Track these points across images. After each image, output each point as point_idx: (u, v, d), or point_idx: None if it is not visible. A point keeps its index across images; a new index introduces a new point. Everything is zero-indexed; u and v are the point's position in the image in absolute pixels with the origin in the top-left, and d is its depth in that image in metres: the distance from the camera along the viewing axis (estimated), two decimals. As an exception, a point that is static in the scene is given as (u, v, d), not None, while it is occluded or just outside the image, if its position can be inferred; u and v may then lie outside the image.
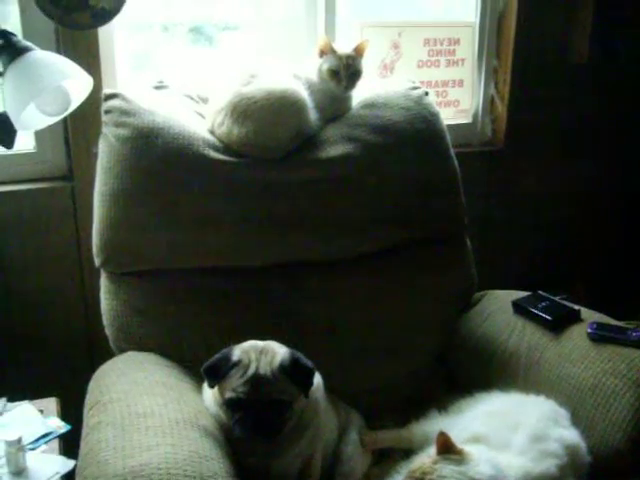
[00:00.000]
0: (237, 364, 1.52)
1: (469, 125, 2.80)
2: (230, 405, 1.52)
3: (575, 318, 1.90)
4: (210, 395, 1.61)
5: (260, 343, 1.58)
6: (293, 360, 1.54)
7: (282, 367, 1.52)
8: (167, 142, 1.87)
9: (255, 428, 1.51)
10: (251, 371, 1.51)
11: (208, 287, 1.91)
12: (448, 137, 2.22)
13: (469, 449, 1.51)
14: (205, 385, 1.64)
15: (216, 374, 1.53)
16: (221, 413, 1.56)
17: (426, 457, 1.52)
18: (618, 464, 1.64)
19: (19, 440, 1.64)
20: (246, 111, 1.91)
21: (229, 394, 1.51)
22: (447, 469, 1.46)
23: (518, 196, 2.84)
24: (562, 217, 2.92)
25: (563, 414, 1.69)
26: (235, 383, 1.51)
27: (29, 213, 2.18)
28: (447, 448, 1.49)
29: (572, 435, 1.64)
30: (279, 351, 1.56)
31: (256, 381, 1.50)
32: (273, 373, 1.52)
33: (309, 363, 1.56)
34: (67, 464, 1.67)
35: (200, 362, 1.57)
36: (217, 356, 1.55)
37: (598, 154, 2.91)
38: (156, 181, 1.86)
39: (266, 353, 1.54)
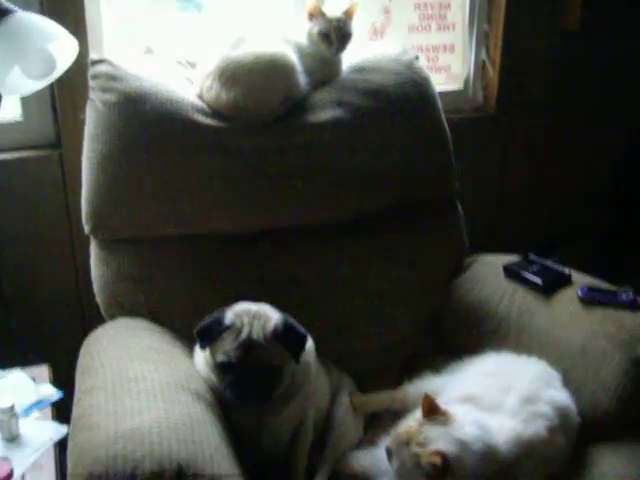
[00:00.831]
0: (230, 327, 1.52)
1: (460, 92, 2.77)
2: (221, 368, 1.52)
3: (566, 281, 1.91)
4: (202, 358, 1.61)
5: (253, 307, 1.58)
6: (286, 326, 1.54)
7: (275, 333, 1.52)
8: (155, 107, 1.85)
9: (246, 392, 1.52)
10: (243, 335, 1.51)
11: (199, 253, 1.91)
12: (439, 102, 2.20)
13: (454, 410, 1.52)
14: (197, 348, 1.64)
15: (208, 337, 1.53)
16: (213, 376, 1.56)
17: (412, 420, 1.53)
18: (607, 425, 1.66)
19: (12, 407, 1.64)
20: (234, 75, 1.88)
21: (221, 357, 1.52)
22: (433, 430, 1.47)
23: (509, 162, 2.82)
24: (554, 183, 2.92)
25: (554, 375, 1.71)
26: (227, 347, 1.51)
27: (17, 182, 2.15)
28: (432, 410, 1.51)
29: (563, 397, 1.66)
30: (272, 316, 1.56)
31: (248, 346, 1.50)
32: (265, 338, 1.52)
33: (302, 329, 1.57)
34: (60, 430, 1.68)
35: (191, 328, 1.57)
36: (210, 318, 1.55)
37: (590, 120, 2.90)
38: (144, 147, 1.84)
39: (259, 317, 1.54)
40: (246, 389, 1.51)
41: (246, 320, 1.53)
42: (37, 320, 2.23)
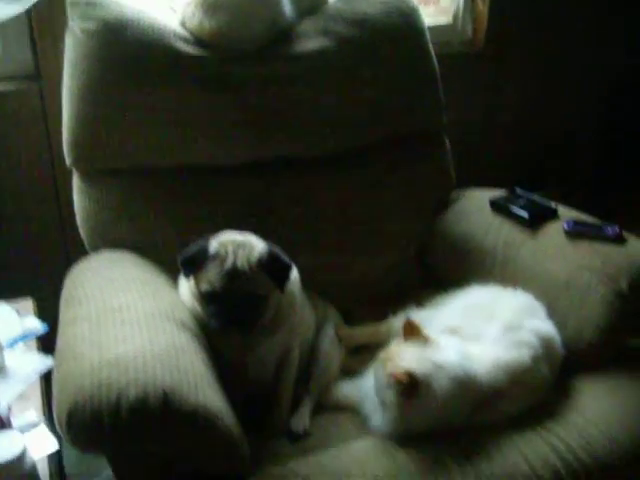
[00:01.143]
0: (214, 256, 1.51)
1: (450, 26, 2.71)
2: (206, 297, 1.52)
3: (552, 215, 1.90)
4: (186, 289, 1.60)
5: (238, 236, 1.57)
6: (271, 255, 1.53)
7: (259, 262, 1.52)
8: (136, 35, 1.80)
9: (230, 321, 1.52)
10: (228, 264, 1.50)
11: (183, 186, 1.89)
12: (427, 34, 2.15)
13: (436, 337, 1.54)
14: (181, 279, 1.63)
15: (192, 266, 1.52)
16: (197, 306, 1.56)
17: (394, 344, 1.54)
18: (590, 357, 1.68)
19: (-4, 339, 1.64)
20: (217, 1, 1.83)
21: (205, 287, 1.51)
22: (409, 352, 1.49)
23: (499, 97, 2.79)
24: (543, 118, 2.89)
25: (539, 307, 1.71)
26: (212, 276, 1.50)
27: (-5, 115, 2.11)
28: (413, 333, 1.52)
29: (547, 327, 1.66)
30: (257, 246, 1.55)
31: (232, 275, 1.50)
32: (250, 267, 1.51)
33: (287, 259, 1.56)
34: (45, 362, 1.68)
35: (175, 260, 1.56)
36: (194, 247, 1.54)
37: (581, 58, 2.86)
38: (125, 76, 1.80)
39: (244, 247, 1.53)
40: (230, 318, 1.51)
41: (230, 249, 1.52)
42: (21, 255, 2.21)
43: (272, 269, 1.53)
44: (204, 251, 1.51)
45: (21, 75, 2.15)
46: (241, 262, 1.50)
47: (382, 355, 1.53)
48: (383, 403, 1.50)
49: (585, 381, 1.65)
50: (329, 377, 1.75)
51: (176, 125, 1.83)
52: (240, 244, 1.54)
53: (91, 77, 1.78)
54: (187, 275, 1.54)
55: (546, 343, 1.62)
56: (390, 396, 1.46)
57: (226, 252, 1.51)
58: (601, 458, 1.45)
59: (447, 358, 1.48)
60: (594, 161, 3.08)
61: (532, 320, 1.65)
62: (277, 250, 1.56)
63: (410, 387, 1.43)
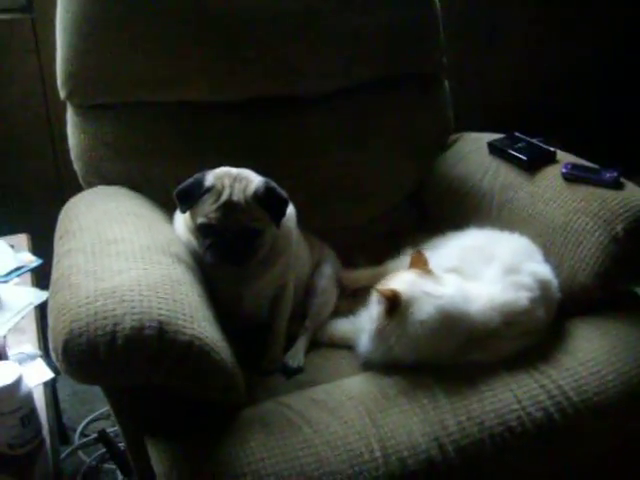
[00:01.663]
0: (210, 190, 1.49)
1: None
2: (202, 231, 1.51)
3: (550, 159, 1.89)
4: (182, 223, 1.60)
5: (234, 170, 1.56)
6: (267, 189, 1.53)
7: (256, 195, 1.51)
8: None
9: (225, 255, 1.51)
10: (224, 197, 1.49)
11: (179, 122, 1.87)
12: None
13: (440, 273, 1.55)
14: (176, 214, 1.63)
15: (188, 199, 1.51)
16: (193, 240, 1.56)
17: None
18: (585, 299, 1.68)
19: (-11, 270, 1.64)
20: None
21: (201, 220, 1.50)
22: (406, 277, 1.52)
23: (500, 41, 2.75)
24: (546, 60, 2.86)
25: (536, 250, 1.71)
26: (207, 209, 1.49)
27: (-14, 48, 2.08)
28: (419, 265, 1.54)
29: (544, 270, 1.67)
30: (254, 179, 1.54)
31: (229, 208, 1.49)
32: (246, 200, 1.50)
33: (283, 193, 1.55)
34: (40, 295, 1.69)
35: (170, 196, 1.55)
36: (190, 181, 1.53)
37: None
38: (120, 5, 1.76)
39: (240, 180, 1.52)
40: (226, 251, 1.51)
41: (227, 182, 1.51)
42: (14, 191, 2.20)
43: (269, 203, 1.52)
44: (200, 184, 1.50)
45: (13, 7, 2.11)
46: (237, 195, 1.50)
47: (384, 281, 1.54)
48: (371, 325, 1.51)
49: (578, 324, 1.65)
50: (325, 314, 1.77)
51: (170, 57, 1.81)
52: (236, 177, 1.53)
53: (85, 7, 1.74)
54: (183, 210, 1.53)
55: (543, 286, 1.62)
56: (374, 313, 1.49)
57: (222, 185, 1.50)
58: (592, 399, 1.46)
59: (441, 290, 1.50)
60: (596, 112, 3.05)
61: (530, 263, 1.65)
62: (274, 184, 1.55)
63: (392, 304, 1.45)
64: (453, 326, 1.48)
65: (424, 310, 1.47)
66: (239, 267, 1.55)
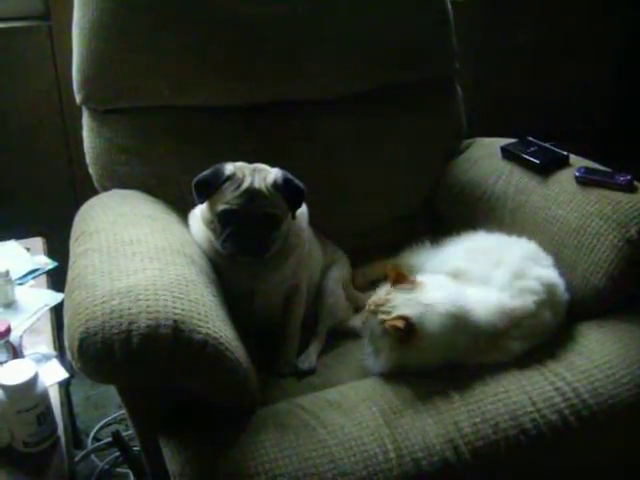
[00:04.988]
0: (230, 178, 1.52)
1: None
2: (222, 219, 1.53)
3: (564, 162, 1.89)
4: (197, 221, 1.61)
5: (251, 164, 1.59)
6: (286, 179, 1.56)
7: (275, 184, 1.54)
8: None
9: (245, 244, 1.53)
10: (246, 184, 1.52)
11: (193, 125, 1.88)
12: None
13: (423, 279, 1.55)
14: (191, 214, 1.64)
15: (208, 187, 1.53)
16: (208, 238, 1.57)
17: (382, 291, 1.56)
18: (599, 302, 1.68)
19: (7, 272, 1.66)
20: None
21: (223, 206, 1.52)
22: (399, 298, 1.50)
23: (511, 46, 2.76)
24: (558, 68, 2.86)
25: (544, 255, 1.72)
26: (229, 196, 1.52)
27: (4, 54, 2.09)
28: (400, 280, 1.53)
29: (551, 274, 1.67)
30: (272, 170, 1.58)
31: (251, 194, 1.52)
32: (267, 188, 1.53)
33: (301, 184, 1.57)
34: (55, 297, 1.70)
35: (185, 200, 1.56)
36: (209, 170, 1.55)
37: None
38: (137, 10, 1.78)
39: (259, 171, 1.56)
40: (246, 239, 1.53)
41: (247, 171, 1.54)
42: (30, 196, 2.21)
43: (287, 191, 1.55)
44: (220, 173, 1.53)
45: (30, 14, 2.13)
46: (258, 183, 1.53)
47: (371, 304, 1.54)
48: (376, 350, 1.52)
49: (592, 327, 1.65)
50: (337, 317, 1.78)
51: (187, 62, 1.82)
52: (255, 168, 1.57)
53: (103, 13, 1.76)
54: (201, 198, 1.54)
55: (550, 289, 1.63)
56: (386, 343, 1.48)
57: (243, 174, 1.53)
58: (607, 401, 1.46)
59: (436, 296, 1.50)
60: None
61: (536, 268, 1.65)
62: (291, 175, 1.57)
63: (407, 332, 1.45)
64: (458, 323, 1.49)
65: (433, 322, 1.46)
66: (256, 258, 1.57)
